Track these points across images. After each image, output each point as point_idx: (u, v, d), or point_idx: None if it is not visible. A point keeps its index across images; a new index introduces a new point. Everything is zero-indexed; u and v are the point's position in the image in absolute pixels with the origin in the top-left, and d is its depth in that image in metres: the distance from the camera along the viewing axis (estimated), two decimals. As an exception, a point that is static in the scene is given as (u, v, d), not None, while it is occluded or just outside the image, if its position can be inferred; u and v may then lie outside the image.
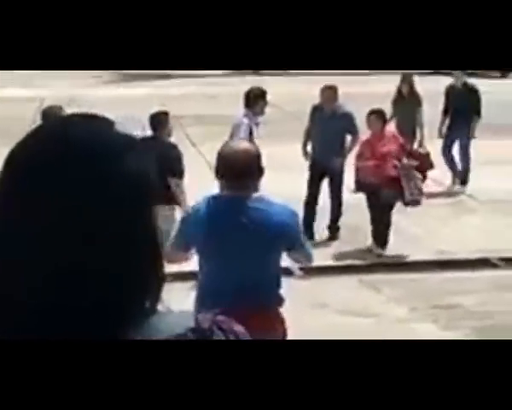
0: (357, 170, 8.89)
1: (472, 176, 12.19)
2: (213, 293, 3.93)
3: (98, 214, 1.21)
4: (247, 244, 3.93)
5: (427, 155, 9.46)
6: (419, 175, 8.73)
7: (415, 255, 8.61)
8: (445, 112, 12.06)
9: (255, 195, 4.02)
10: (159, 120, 7.49)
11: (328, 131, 9.06)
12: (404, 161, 8.65)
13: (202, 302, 3.97)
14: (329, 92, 9.34)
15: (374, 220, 8.70)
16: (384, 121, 8.95)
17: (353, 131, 9.32)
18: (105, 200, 1.22)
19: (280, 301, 4.14)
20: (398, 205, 8.72)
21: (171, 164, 7.03)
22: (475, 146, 15.58)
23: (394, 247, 8.65)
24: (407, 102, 11.48)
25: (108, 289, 1.28)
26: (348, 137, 9.40)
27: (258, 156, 4.06)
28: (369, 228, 8.72)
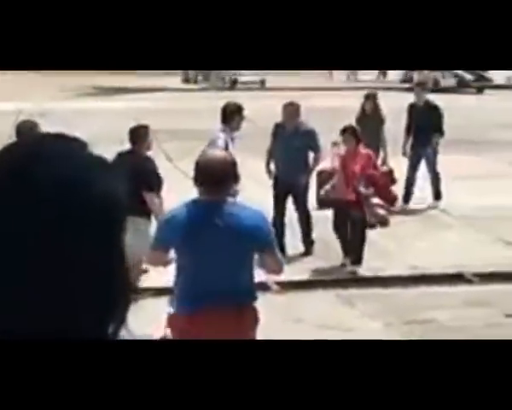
0: (320, 185, 8.99)
1: (446, 191, 12.30)
2: (191, 292, 4.18)
3: (64, 236, 1.22)
4: (223, 246, 4.17)
5: (391, 172, 9.36)
6: (378, 201, 8.62)
7: (389, 270, 8.65)
8: (408, 130, 12.01)
9: (230, 200, 4.29)
10: (138, 134, 7.51)
11: (290, 148, 8.94)
12: (361, 188, 8.47)
13: (181, 301, 4.21)
14: (291, 109, 9.21)
15: (343, 237, 8.70)
16: (357, 139, 8.77)
17: (316, 149, 9.22)
18: (73, 221, 1.24)
19: (254, 298, 4.37)
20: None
21: (148, 178, 7.14)
22: (450, 162, 15.72)
23: (369, 262, 8.68)
24: (371, 120, 11.40)
25: (73, 312, 1.29)
26: (311, 155, 9.29)
27: (234, 164, 4.36)
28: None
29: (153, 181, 7.21)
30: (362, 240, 8.60)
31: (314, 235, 9.25)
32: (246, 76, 44.82)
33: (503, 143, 18.40)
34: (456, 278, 8.39)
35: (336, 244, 8.77)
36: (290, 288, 7.96)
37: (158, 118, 22.96)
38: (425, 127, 11.59)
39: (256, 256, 4.33)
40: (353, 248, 8.64)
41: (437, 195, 11.80)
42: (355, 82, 46.41)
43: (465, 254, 9.05)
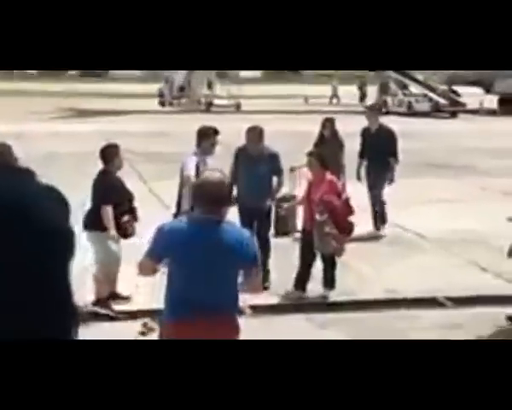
0: (277, 212, 8.90)
1: (420, 215, 12.34)
2: (181, 300, 4.54)
3: (13, 255, 1.37)
4: (212, 260, 4.53)
5: (347, 200, 8.61)
6: (331, 231, 8.07)
7: (363, 294, 8.63)
8: (361, 154, 11.69)
9: (222, 219, 4.61)
10: (109, 153, 7.95)
11: (254, 173, 8.73)
12: (317, 217, 8.10)
13: (172, 308, 4.59)
14: (254, 133, 8.99)
15: (305, 266, 8.49)
16: (323, 165, 8.43)
17: (279, 173, 9.05)
18: (21, 244, 1.41)
19: (237, 309, 4.79)
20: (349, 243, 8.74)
21: (103, 193, 7.77)
22: (423, 185, 15.78)
23: (342, 285, 8.66)
24: (329, 146, 11.07)
25: (25, 312, 1.52)
26: (275, 179, 9.04)
27: (230, 186, 4.88)
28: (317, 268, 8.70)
29: (110, 196, 7.73)
30: (332, 266, 8.51)
31: (288, 259, 9.14)
32: (221, 100, 44.93)
33: (474, 168, 18.56)
34: (430, 302, 8.40)
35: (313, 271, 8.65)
36: (262, 311, 7.92)
37: (133, 140, 22.91)
38: (379, 152, 11.26)
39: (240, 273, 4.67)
40: (325, 275, 8.52)
41: (382, 221, 11.45)
42: (334, 106, 46.65)
43: (439, 278, 9.06)
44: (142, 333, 6.46)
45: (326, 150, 10.06)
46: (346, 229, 8.22)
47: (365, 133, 11.70)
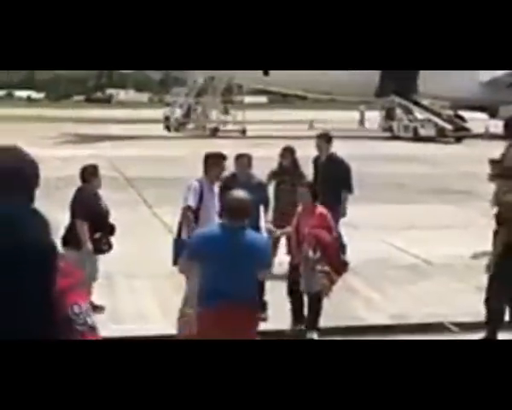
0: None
1: (427, 240, 12.29)
2: (212, 292, 5.61)
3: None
4: (238, 260, 5.60)
5: (339, 237, 8.24)
6: (324, 268, 7.47)
7: (369, 319, 8.57)
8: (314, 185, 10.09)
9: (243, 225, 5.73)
10: (88, 173, 8.48)
11: None
12: (310, 254, 7.50)
13: (204, 299, 5.67)
14: (243, 160, 8.93)
15: (296, 304, 8.02)
16: (314, 195, 7.91)
17: (266, 202, 8.94)
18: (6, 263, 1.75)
19: (257, 303, 6.13)
20: (353, 266, 8.69)
21: (80, 208, 8.29)
22: (429, 211, 15.74)
23: (349, 310, 8.61)
24: (288, 176, 10.13)
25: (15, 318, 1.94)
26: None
27: (249, 202, 5.86)
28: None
29: (84, 213, 8.20)
30: (318, 306, 7.83)
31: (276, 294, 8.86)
32: (227, 125, 45.07)
33: (478, 193, 18.51)
34: (437, 327, 8.34)
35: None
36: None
37: (139, 165, 22.96)
38: (330, 183, 9.98)
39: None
40: (309, 315, 7.89)
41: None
42: (338, 131, 46.74)
43: (445, 304, 9.01)
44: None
45: (284, 180, 9.80)
46: (339, 268, 7.62)
47: (316, 163, 10.62)
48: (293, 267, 8.03)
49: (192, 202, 7.98)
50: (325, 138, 10.65)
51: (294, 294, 8.02)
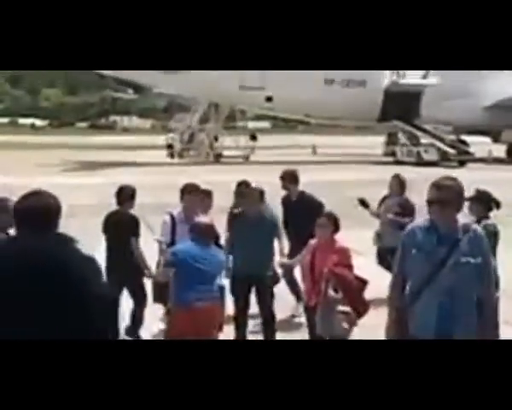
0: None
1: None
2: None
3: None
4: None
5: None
6: (345, 309, 6.85)
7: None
8: (286, 225, 9.27)
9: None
10: (126, 193, 8.29)
11: (254, 237, 7.76)
12: (331, 292, 6.83)
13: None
14: (254, 194, 8.05)
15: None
16: (335, 227, 7.14)
17: (279, 236, 8.23)
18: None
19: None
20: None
21: (133, 229, 7.98)
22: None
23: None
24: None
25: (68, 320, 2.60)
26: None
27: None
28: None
29: (135, 231, 7.97)
30: None
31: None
32: (230, 151, 45.16)
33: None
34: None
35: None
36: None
37: (142, 192, 22.88)
38: (300, 223, 8.80)
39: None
40: None
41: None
42: (341, 156, 46.80)
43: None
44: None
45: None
46: (361, 309, 6.98)
47: (286, 202, 9.69)
48: (310, 310, 7.24)
49: (162, 238, 7.83)
50: (291, 178, 9.49)
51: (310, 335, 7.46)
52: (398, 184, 10.20)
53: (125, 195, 8.25)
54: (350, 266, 7.02)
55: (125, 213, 8.14)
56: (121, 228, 7.91)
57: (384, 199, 10.30)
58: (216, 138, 45.82)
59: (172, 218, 7.91)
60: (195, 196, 7.85)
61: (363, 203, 10.15)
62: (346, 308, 6.82)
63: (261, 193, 8.03)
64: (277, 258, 8.25)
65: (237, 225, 8.10)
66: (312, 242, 7.23)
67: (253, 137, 48.11)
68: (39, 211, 3.51)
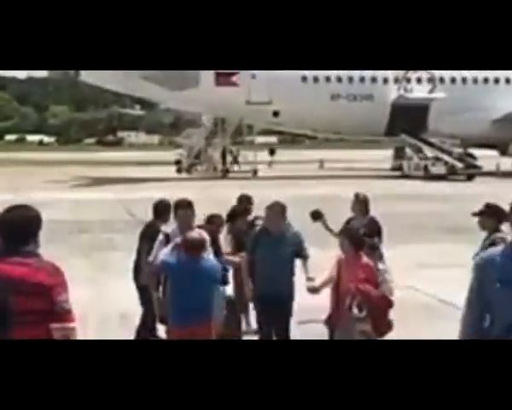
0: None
1: (443, 280, 12.15)
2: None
3: None
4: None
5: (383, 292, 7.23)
6: (367, 329, 6.68)
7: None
8: None
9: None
10: (162, 207, 8.64)
11: (275, 256, 7.48)
12: (355, 310, 6.63)
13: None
14: (275, 211, 7.69)
15: None
16: (357, 244, 6.94)
17: (304, 255, 7.73)
18: None
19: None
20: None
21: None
22: (446, 250, 15.56)
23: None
24: (240, 222, 9.40)
25: None
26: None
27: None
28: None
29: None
30: None
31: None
32: (237, 166, 45.21)
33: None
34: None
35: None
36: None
37: (150, 208, 22.85)
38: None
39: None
40: None
41: None
42: (348, 170, 46.79)
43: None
44: None
45: (237, 225, 9.17)
46: (384, 329, 6.82)
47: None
48: (331, 328, 6.99)
49: (156, 269, 7.40)
50: (276, 209, 7.98)
51: None
52: (362, 203, 9.07)
53: (162, 209, 8.63)
54: (376, 284, 6.82)
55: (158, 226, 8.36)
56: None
57: (349, 221, 8.99)
58: (224, 154, 45.87)
59: (167, 237, 7.71)
60: (188, 210, 7.68)
61: (317, 216, 9.05)
62: (368, 328, 6.65)
63: (283, 208, 7.70)
64: (303, 280, 7.69)
65: (258, 243, 7.76)
66: (337, 258, 6.99)
67: (272, 152, 47.98)
68: (21, 223, 3.84)
